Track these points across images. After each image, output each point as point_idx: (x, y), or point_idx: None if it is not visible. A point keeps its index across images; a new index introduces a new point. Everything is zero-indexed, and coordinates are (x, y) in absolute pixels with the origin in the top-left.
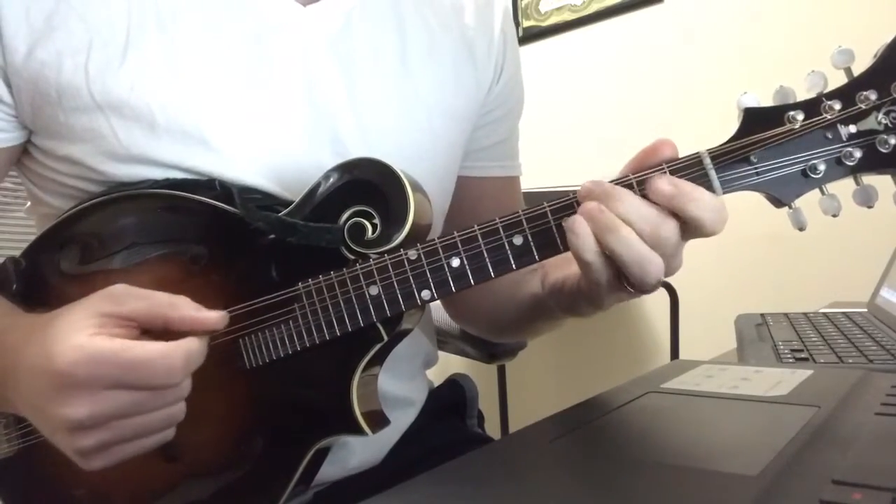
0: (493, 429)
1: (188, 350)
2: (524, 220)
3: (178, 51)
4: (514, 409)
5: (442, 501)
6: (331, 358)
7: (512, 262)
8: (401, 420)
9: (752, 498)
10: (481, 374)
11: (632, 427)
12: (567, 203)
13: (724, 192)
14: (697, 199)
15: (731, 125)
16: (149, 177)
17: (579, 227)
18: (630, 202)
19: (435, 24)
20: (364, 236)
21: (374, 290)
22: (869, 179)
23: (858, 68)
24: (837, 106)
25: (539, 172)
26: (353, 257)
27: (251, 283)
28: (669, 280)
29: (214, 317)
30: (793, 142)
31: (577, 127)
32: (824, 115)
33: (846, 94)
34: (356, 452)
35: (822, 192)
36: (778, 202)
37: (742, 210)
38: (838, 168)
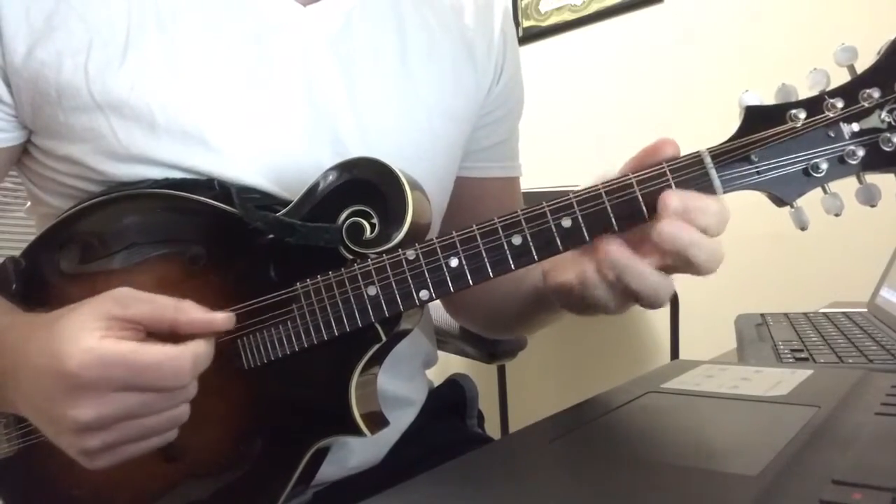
0: (493, 429)
1: (196, 352)
2: (523, 220)
3: (178, 51)
4: (514, 409)
5: (442, 501)
6: (329, 358)
7: (511, 262)
8: (400, 420)
9: (752, 498)
10: (481, 374)
11: (632, 427)
12: (566, 203)
13: (724, 192)
14: (704, 210)
15: (732, 125)
16: (148, 176)
17: (594, 277)
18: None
19: (435, 25)
20: (362, 236)
21: (372, 291)
22: (872, 178)
23: (861, 66)
24: (840, 104)
25: (539, 172)
26: (351, 257)
27: (250, 283)
28: None
29: (222, 318)
30: (795, 140)
31: (577, 127)
32: (827, 113)
33: (849, 92)
34: (356, 452)
35: (825, 191)
36: (780, 201)
37: (742, 210)
38: (841, 167)
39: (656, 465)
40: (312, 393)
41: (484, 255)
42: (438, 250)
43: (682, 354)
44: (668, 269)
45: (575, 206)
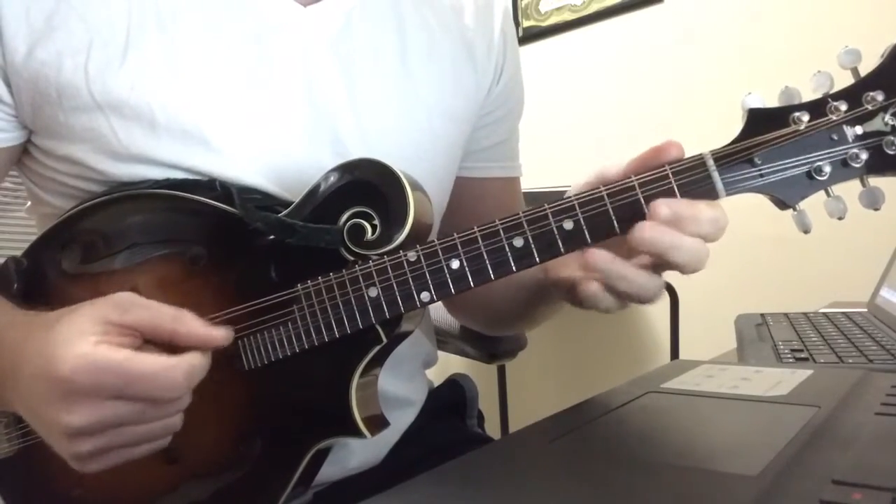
0: (493, 429)
1: (191, 365)
2: (525, 222)
3: (179, 51)
4: (514, 409)
5: (442, 501)
6: (330, 360)
7: (512, 264)
8: (401, 420)
9: (752, 498)
10: (481, 374)
11: (632, 427)
12: (569, 205)
13: (727, 195)
14: (696, 218)
15: (732, 125)
16: (149, 176)
17: (593, 287)
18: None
19: (435, 25)
20: (364, 237)
21: (373, 292)
22: (875, 181)
23: (865, 69)
24: (843, 107)
25: (539, 172)
26: (352, 258)
27: (250, 283)
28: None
29: (220, 334)
30: (798, 143)
31: (577, 127)
32: (830, 116)
33: (852, 94)
34: (356, 453)
35: (828, 194)
36: (782, 204)
37: (742, 210)
38: (844, 170)
39: (656, 465)
40: (313, 394)
41: (485, 256)
42: (440, 252)
43: (682, 354)
44: (655, 269)
45: (577, 208)
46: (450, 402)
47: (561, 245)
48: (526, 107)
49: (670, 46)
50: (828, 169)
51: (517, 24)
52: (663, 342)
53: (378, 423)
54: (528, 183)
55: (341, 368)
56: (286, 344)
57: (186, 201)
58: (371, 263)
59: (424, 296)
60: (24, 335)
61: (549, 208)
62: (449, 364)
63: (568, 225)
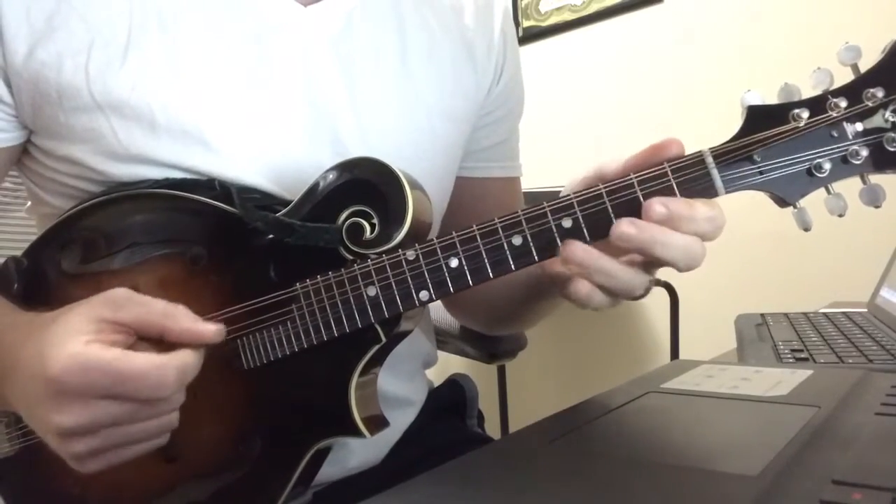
0: (493, 429)
1: (182, 363)
2: (523, 221)
3: (180, 51)
4: (514, 409)
5: (442, 501)
6: (329, 359)
7: (511, 262)
8: (400, 420)
9: (752, 498)
10: (481, 374)
11: (632, 427)
12: (567, 203)
13: (727, 192)
14: (692, 217)
15: (732, 125)
16: (148, 176)
17: (584, 287)
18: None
19: (435, 25)
20: (362, 236)
21: (371, 291)
22: (876, 178)
23: (865, 65)
24: (843, 103)
25: (539, 172)
26: (351, 258)
27: (250, 282)
28: (669, 280)
29: (211, 330)
30: (797, 140)
31: (577, 127)
32: (830, 112)
33: (852, 91)
34: (356, 452)
35: (828, 192)
36: (782, 202)
37: (742, 209)
38: (844, 167)
39: (656, 466)
40: (312, 394)
41: (484, 255)
42: (438, 251)
43: (682, 354)
44: (646, 266)
45: (576, 206)
46: (450, 402)
47: (560, 243)
48: (526, 107)
49: (670, 46)
50: (828, 166)
51: (517, 24)
52: (663, 342)
53: (377, 422)
54: (528, 183)
55: (340, 368)
56: (285, 343)
57: (186, 201)
58: (370, 262)
59: (423, 295)
60: (23, 336)
61: (548, 206)
62: (449, 364)
63: (567, 223)
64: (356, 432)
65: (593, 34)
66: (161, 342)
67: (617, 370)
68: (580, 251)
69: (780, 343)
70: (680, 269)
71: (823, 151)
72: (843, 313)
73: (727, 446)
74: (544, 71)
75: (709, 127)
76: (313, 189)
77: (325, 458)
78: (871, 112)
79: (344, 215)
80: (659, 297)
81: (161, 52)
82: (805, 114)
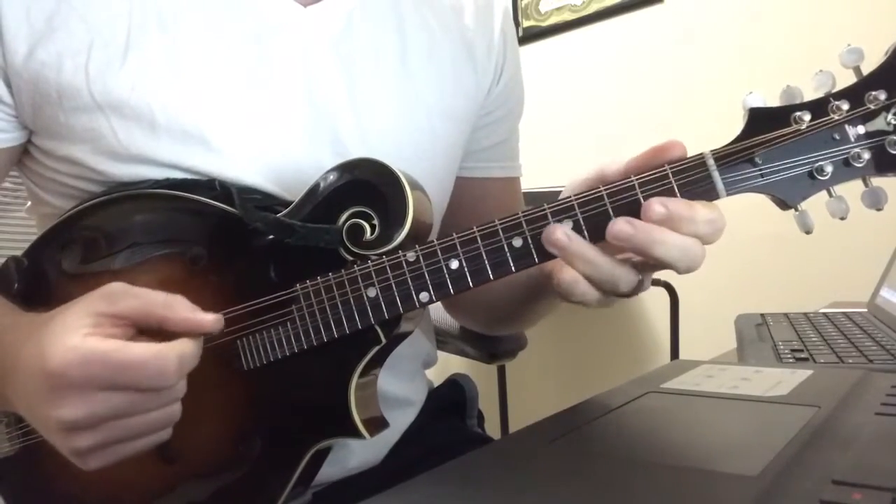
0: (493, 429)
1: (182, 352)
2: (524, 223)
3: (180, 51)
4: (514, 409)
5: (442, 501)
6: (329, 360)
7: (511, 264)
8: (400, 420)
9: (752, 498)
10: (481, 374)
11: (632, 427)
12: (568, 205)
13: (728, 194)
14: (692, 219)
15: (732, 125)
16: (149, 176)
17: (568, 275)
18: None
19: (435, 25)
20: (363, 237)
21: (372, 293)
22: (878, 181)
23: (867, 68)
24: (845, 106)
25: (539, 172)
26: (351, 258)
27: (250, 283)
28: (669, 280)
29: (209, 319)
30: (799, 143)
31: (577, 127)
32: (832, 115)
33: (854, 93)
34: (356, 452)
35: (830, 195)
36: (784, 204)
37: (742, 210)
38: (846, 170)
39: (656, 466)
40: (312, 394)
41: (484, 257)
42: (439, 252)
43: (682, 354)
44: (644, 267)
45: (576, 207)
46: (450, 402)
47: None
48: (526, 107)
49: (670, 46)
50: (829, 169)
51: (517, 24)
52: (663, 342)
53: (377, 423)
54: (528, 183)
55: (340, 369)
56: (285, 344)
57: (186, 201)
58: (370, 264)
59: (423, 296)
60: (24, 337)
61: (549, 208)
62: (449, 364)
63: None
64: (356, 433)
65: (593, 34)
66: (160, 334)
67: (617, 370)
68: (559, 233)
69: (780, 343)
70: (679, 271)
71: (825, 154)
72: (843, 313)
73: (727, 446)
74: (544, 71)
75: (709, 127)
76: (314, 190)
77: (325, 458)
78: (873, 115)
79: (344, 216)
80: (659, 297)
81: (161, 52)
82: (807, 116)
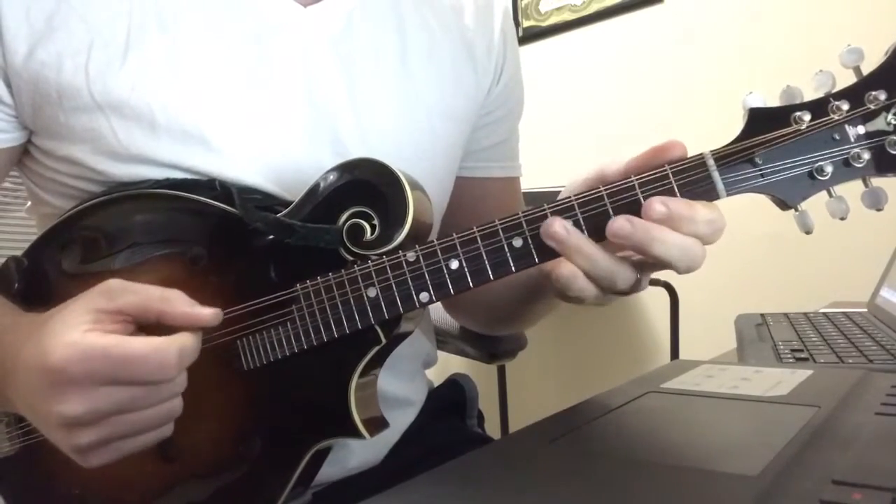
0: (493, 429)
1: (182, 345)
2: (524, 223)
3: (180, 51)
4: (514, 409)
5: (442, 501)
6: (329, 360)
7: (511, 264)
8: (400, 420)
9: (752, 498)
10: (481, 374)
11: (632, 427)
12: (568, 205)
13: (728, 195)
14: (692, 218)
15: (732, 125)
16: (149, 176)
17: (567, 269)
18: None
19: (435, 25)
20: (363, 237)
21: (372, 293)
22: (878, 181)
23: (867, 68)
24: (845, 106)
25: (539, 172)
26: (351, 258)
27: (250, 283)
28: (669, 280)
29: (208, 313)
30: (799, 143)
31: (577, 127)
32: (832, 115)
33: (855, 94)
34: (356, 452)
35: (830, 195)
36: (784, 204)
37: (742, 210)
38: (846, 170)
39: (656, 466)
40: (312, 394)
41: (484, 257)
42: (439, 252)
43: (682, 354)
44: (643, 266)
45: (576, 208)
46: (450, 402)
47: None
48: (526, 107)
49: (670, 46)
50: (829, 169)
51: (517, 24)
52: (663, 342)
53: (377, 423)
54: (528, 183)
55: (340, 369)
56: (285, 344)
57: (186, 201)
58: (370, 264)
59: (423, 296)
60: (24, 336)
61: (549, 208)
62: (449, 364)
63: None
64: (356, 433)
65: (593, 34)
66: (159, 329)
67: (617, 370)
68: (558, 226)
69: (780, 343)
70: (679, 271)
71: (825, 154)
72: (843, 313)
73: (727, 446)
74: (544, 71)
75: (709, 127)
76: (314, 190)
77: (325, 458)
78: (873, 115)
79: (344, 216)
80: (659, 297)
81: (161, 52)
82: (807, 116)
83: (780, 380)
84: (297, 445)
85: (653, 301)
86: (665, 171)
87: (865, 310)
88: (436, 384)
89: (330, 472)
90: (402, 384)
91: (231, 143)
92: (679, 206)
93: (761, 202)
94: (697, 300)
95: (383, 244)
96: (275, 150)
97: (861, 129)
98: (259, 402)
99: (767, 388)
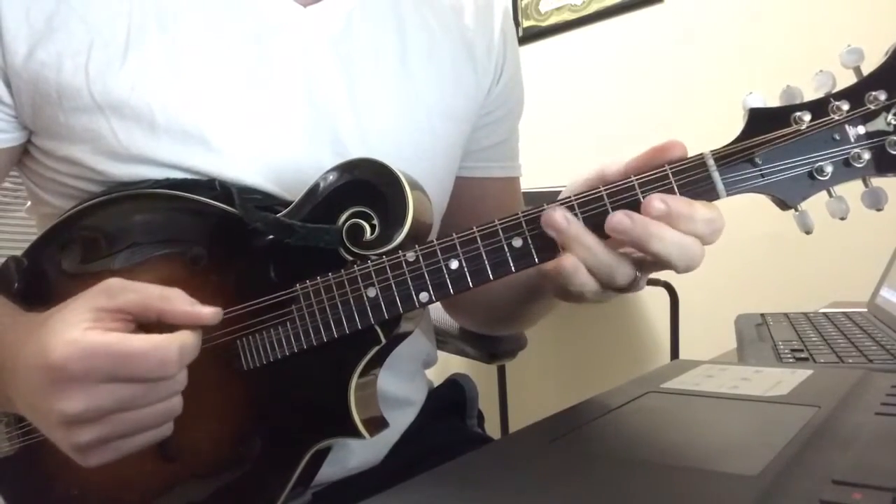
0: (493, 429)
1: (182, 342)
2: (524, 223)
3: (179, 51)
4: (514, 409)
5: (442, 501)
6: (329, 360)
7: (511, 264)
8: (400, 420)
9: (752, 498)
10: (481, 374)
11: (632, 427)
12: (568, 205)
13: (728, 195)
14: (691, 217)
15: (732, 125)
16: (149, 177)
17: (569, 261)
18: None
19: (435, 25)
20: (363, 237)
21: (371, 293)
22: (878, 181)
23: (868, 68)
24: (845, 106)
25: (539, 172)
26: (351, 258)
27: (250, 283)
28: (669, 280)
29: (208, 312)
30: (799, 143)
31: (577, 127)
32: (832, 115)
33: (855, 94)
34: (355, 453)
35: (830, 195)
36: (784, 205)
37: (742, 210)
38: (846, 170)
39: (656, 466)
40: (312, 394)
41: (484, 257)
42: (438, 252)
43: (682, 354)
44: (642, 264)
45: (576, 207)
46: (450, 402)
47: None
48: (526, 107)
49: (670, 46)
50: (829, 169)
51: (517, 24)
52: (663, 342)
53: (377, 423)
54: (528, 183)
55: (340, 369)
56: (285, 344)
57: (186, 201)
58: (370, 264)
59: (423, 296)
60: (25, 336)
61: (549, 208)
62: (449, 364)
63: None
64: (356, 433)
65: (593, 34)
66: (159, 328)
67: (617, 370)
68: (558, 215)
69: (780, 343)
70: (678, 270)
71: (825, 154)
72: (843, 313)
73: (727, 446)
74: (544, 71)
75: (709, 127)
76: (314, 190)
77: (325, 458)
78: (873, 115)
79: (344, 216)
80: (659, 297)
81: (161, 52)
82: (807, 116)
83: (780, 380)
84: (296, 445)
85: (653, 301)
86: (665, 171)
87: (865, 310)
88: (436, 384)
89: (330, 472)
90: (402, 384)
91: (231, 143)
92: (678, 203)
93: (761, 202)
94: (697, 300)
95: (383, 244)
96: (275, 150)
97: (861, 130)
98: (259, 402)
99: (767, 388)
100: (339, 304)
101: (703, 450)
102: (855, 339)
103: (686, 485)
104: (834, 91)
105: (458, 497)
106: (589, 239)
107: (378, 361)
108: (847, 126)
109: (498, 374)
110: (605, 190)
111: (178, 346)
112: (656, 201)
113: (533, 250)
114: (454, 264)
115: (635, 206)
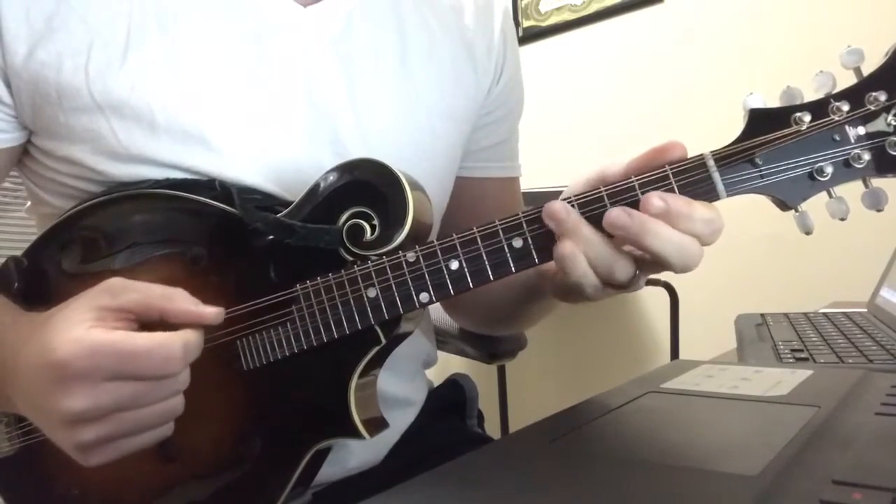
0: (493, 429)
1: (186, 340)
2: (524, 223)
3: (179, 51)
4: (514, 409)
5: (442, 501)
6: (329, 360)
7: (511, 265)
8: (400, 420)
9: (752, 498)
10: (481, 374)
11: (632, 427)
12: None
13: (728, 195)
14: (689, 216)
15: (732, 125)
16: (149, 177)
17: (567, 247)
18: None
19: (435, 25)
20: (363, 237)
21: (372, 293)
22: (878, 182)
23: (868, 68)
24: (846, 107)
25: (539, 172)
26: (351, 259)
27: (250, 283)
28: (669, 280)
29: (210, 311)
30: (799, 143)
31: (578, 127)
32: (832, 116)
33: (855, 94)
34: (355, 453)
35: (830, 195)
36: (784, 205)
37: (742, 210)
38: (846, 170)
39: (656, 466)
40: (312, 395)
41: (484, 257)
42: (439, 252)
43: (682, 354)
44: (643, 265)
45: (577, 208)
46: (450, 402)
47: None
48: (526, 107)
49: (670, 46)
50: (830, 170)
51: (517, 24)
52: (663, 342)
53: (377, 424)
54: (528, 183)
55: (340, 369)
56: (285, 344)
57: (186, 201)
58: (370, 264)
59: (423, 297)
60: (26, 335)
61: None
62: (449, 364)
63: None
64: (356, 434)
65: (593, 34)
66: (161, 327)
67: (617, 370)
68: (558, 205)
69: (780, 343)
70: (676, 270)
71: (825, 155)
72: (843, 313)
73: (727, 446)
74: (544, 71)
75: (709, 127)
76: (314, 190)
77: (325, 458)
78: (873, 116)
79: (344, 216)
80: (659, 297)
81: (161, 52)
82: (807, 117)
83: (780, 380)
84: (296, 445)
85: (653, 301)
86: (665, 171)
87: (865, 310)
88: (436, 384)
89: (330, 472)
90: (401, 384)
91: (231, 143)
92: (677, 202)
93: (761, 202)
94: (697, 300)
95: (383, 244)
96: (275, 150)
97: (861, 130)
98: (259, 403)
99: (767, 388)
100: (339, 304)
101: (703, 450)
102: (855, 340)
103: (686, 485)
104: (834, 92)
105: (458, 497)
106: (588, 230)
107: (378, 362)
108: (847, 127)
109: (498, 374)
110: (606, 190)
111: (182, 343)
112: (655, 199)
113: (533, 251)
114: (454, 265)
115: (635, 206)
